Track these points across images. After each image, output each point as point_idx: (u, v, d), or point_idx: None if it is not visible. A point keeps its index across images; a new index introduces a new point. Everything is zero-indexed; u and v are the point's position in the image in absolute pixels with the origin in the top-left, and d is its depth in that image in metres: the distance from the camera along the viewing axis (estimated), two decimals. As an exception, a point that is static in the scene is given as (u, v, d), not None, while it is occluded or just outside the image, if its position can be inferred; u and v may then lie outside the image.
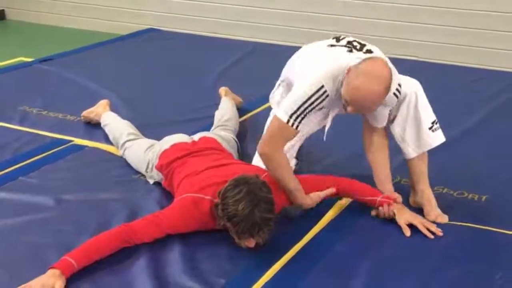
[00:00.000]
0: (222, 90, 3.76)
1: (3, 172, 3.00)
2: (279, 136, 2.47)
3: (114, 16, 6.26)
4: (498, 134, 3.49)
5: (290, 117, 2.41)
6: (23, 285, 2.10)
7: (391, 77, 2.32)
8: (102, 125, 3.41)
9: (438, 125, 2.68)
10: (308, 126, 2.66)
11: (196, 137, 2.94)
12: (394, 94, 2.47)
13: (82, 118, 3.58)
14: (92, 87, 4.22)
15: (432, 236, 2.45)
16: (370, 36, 5.20)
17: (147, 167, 2.88)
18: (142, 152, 2.95)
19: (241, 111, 3.67)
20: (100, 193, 2.81)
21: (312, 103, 2.40)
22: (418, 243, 2.44)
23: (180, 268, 2.27)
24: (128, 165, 3.04)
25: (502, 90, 4.20)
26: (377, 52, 2.50)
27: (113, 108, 3.59)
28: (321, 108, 2.47)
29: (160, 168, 2.77)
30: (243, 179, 2.30)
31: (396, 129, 2.67)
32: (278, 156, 2.48)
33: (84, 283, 2.19)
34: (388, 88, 2.33)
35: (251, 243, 2.29)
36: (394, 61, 2.53)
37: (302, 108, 2.40)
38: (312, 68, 2.46)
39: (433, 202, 2.64)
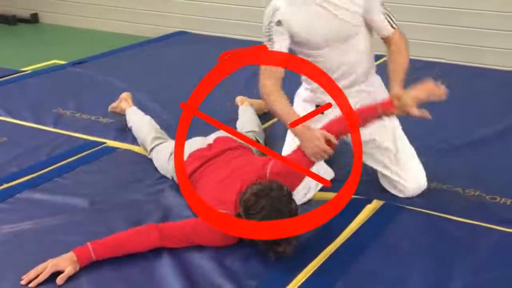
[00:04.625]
0: (238, 99, 3.71)
1: (38, 173, 3.06)
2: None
3: (143, 18, 6.32)
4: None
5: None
6: (43, 263, 2.22)
7: None
8: (128, 125, 3.45)
9: None
10: None
11: (211, 138, 2.92)
12: None
13: (109, 111, 3.65)
14: (124, 89, 4.23)
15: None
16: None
17: (172, 176, 2.91)
18: (165, 161, 2.96)
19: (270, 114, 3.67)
20: (132, 194, 2.84)
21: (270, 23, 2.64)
22: (452, 247, 2.43)
23: (211, 269, 2.28)
24: (159, 167, 3.07)
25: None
26: None
27: (144, 110, 3.61)
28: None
29: None
30: (263, 191, 2.26)
31: None
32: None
33: (113, 279, 2.24)
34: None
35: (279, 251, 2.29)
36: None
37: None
38: None
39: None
